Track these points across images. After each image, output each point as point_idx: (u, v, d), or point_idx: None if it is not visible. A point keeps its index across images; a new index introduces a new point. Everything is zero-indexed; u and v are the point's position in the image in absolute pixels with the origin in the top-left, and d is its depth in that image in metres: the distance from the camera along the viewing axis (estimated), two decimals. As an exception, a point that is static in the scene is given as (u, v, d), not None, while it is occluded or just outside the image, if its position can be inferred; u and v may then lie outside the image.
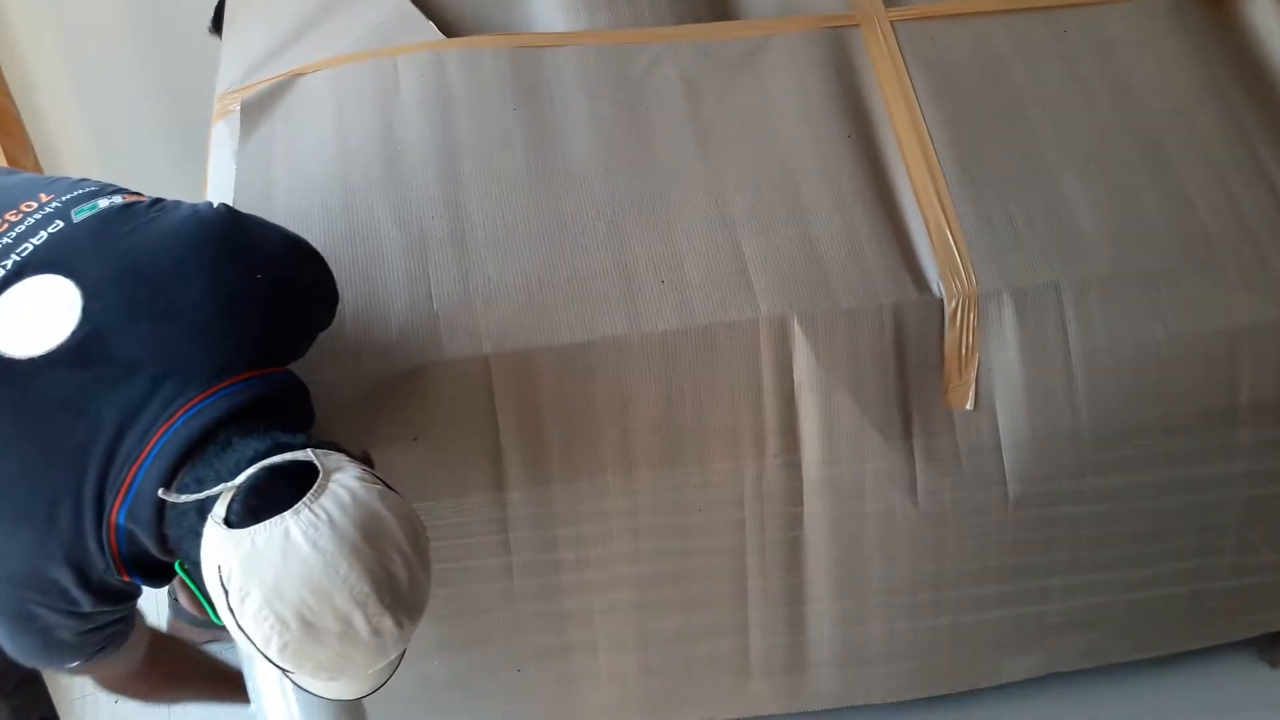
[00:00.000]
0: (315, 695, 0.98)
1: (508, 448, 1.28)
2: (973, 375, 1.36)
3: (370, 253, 1.30)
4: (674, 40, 1.49)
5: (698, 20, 1.53)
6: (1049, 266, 1.36)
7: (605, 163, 1.38)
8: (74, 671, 1.08)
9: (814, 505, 1.37)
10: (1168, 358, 1.37)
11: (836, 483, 1.36)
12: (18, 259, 0.97)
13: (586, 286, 1.29)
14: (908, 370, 1.35)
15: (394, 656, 0.92)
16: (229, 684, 1.36)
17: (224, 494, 0.86)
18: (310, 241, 1.12)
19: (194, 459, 0.91)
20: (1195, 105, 1.50)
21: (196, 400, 0.93)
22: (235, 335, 0.98)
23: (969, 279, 1.34)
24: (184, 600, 0.96)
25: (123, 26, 2.02)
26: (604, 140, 1.40)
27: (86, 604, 0.95)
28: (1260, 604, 1.60)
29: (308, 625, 0.83)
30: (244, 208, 1.31)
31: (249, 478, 0.86)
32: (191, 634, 1.77)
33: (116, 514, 0.92)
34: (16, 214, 1.01)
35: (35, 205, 1.02)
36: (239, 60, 1.52)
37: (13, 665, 1.05)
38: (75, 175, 1.12)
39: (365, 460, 0.96)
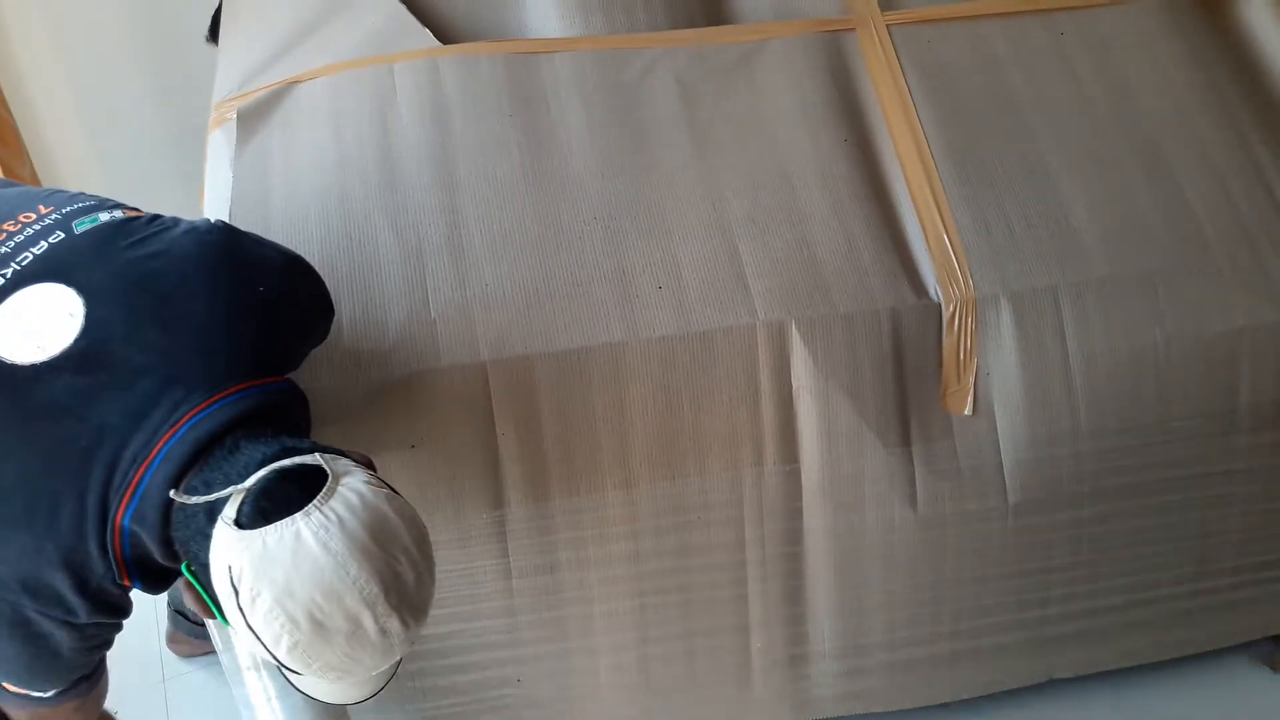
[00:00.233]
0: (314, 699, 0.99)
1: (505, 455, 1.28)
2: (971, 380, 1.35)
3: (367, 259, 1.30)
4: (669, 45, 1.49)
5: (692, 25, 1.53)
6: (1046, 270, 1.36)
7: (601, 168, 1.38)
8: (32, 705, 1.04)
9: (813, 512, 1.36)
10: (1166, 361, 1.37)
11: (835, 489, 1.35)
12: (17, 267, 0.98)
13: (583, 292, 1.29)
14: (906, 375, 1.35)
15: (397, 659, 0.93)
16: None
17: (234, 496, 0.87)
18: (307, 248, 1.14)
19: (201, 463, 0.92)
20: (1192, 107, 1.50)
21: (202, 406, 0.94)
22: (238, 345, 1.00)
23: (966, 283, 1.34)
24: (190, 602, 0.96)
25: (120, 35, 2.03)
26: (600, 146, 1.40)
27: (82, 613, 0.95)
28: (1261, 607, 1.59)
29: (318, 625, 0.85)
30: (241, 215, 1.32)
31: (259, 480, 0.88)
32: (191, 645, 1.77)
33: (122, 516, 0.92)
34: (15, 225, 1.02)
35: (34, 216, 1.03)
36: (236, 68, 1.52)
37: None
38: (72, 186, 1.13)
39: (367, 465, 0.97)
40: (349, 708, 1.37)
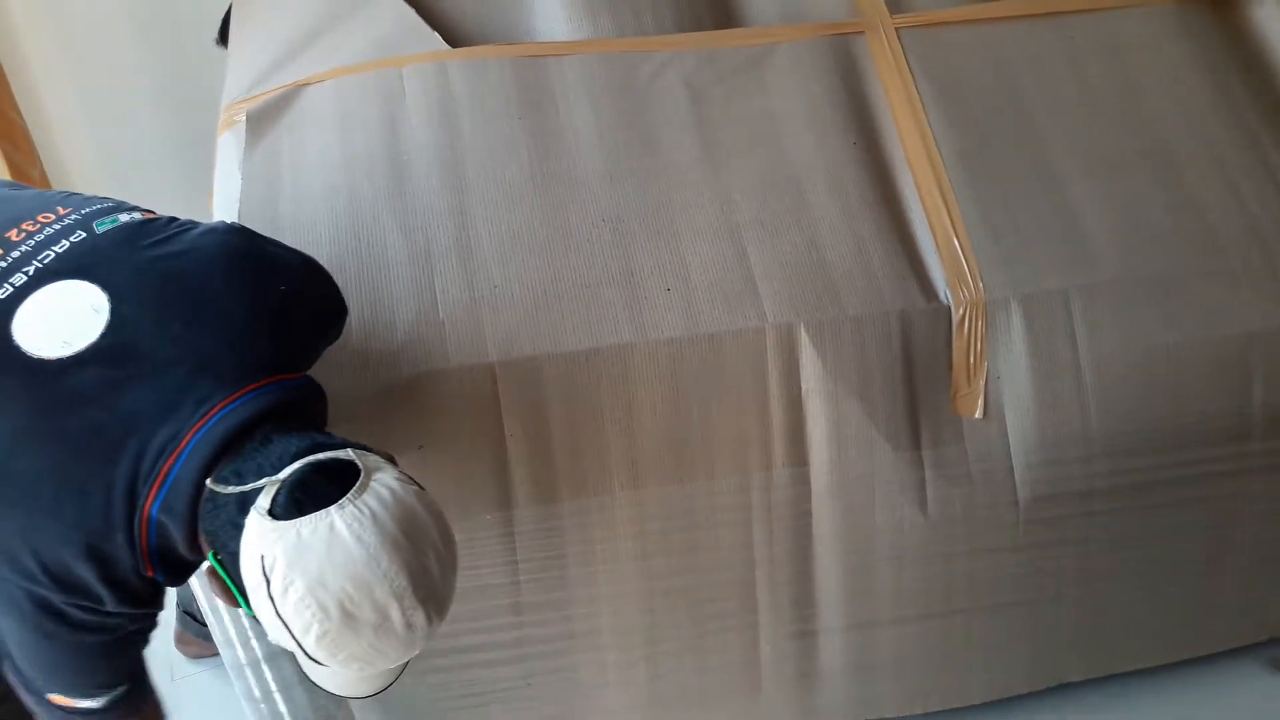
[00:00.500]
0: (331, 693, 1.00)
1: (513, 456, 1.27)
2: (981, 383, 1.35)
3: (376, 261, 1.30)
4: (678, 48, 1.49)
5: (701, 28, 1.53)
6: (1057, 273, 1.35)
7: (610, 170, 1.38)
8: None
9: (822, 516, 1.36)
10: (1178, 363, 1.36)
11: (845, 492, 1.35)
12: (39, 265, 0.99)
13: (592, 294, 1.29)
14: (915, 378, 1.34)
15: (416, 652, 0.94)
16: None
17: (268, 487, 0.89)
18: (316, 250, 1.16)
19: (231, 454, 0.93)
20: (1203, 110, 1.49)
21: (231, 399, 0.96)
22: (262, 341, 1.01)
23: (976, 286, 1.34)
24: (214, 591, 0.97)
25: (129, 38, 2.03)
26: (609, 148, 1.40)
27: (109, 602, 0.96)
28: (1271, 607, 1.59)
29: (348, 615, 0.86)
30: (250, 217, 1.32)
31: (294, 472, 0.89)
32: (199, 646, 1.77)
33: (150, 505, 0.93)
34: (34, 224, 1.03)
35: (54, 217, 1.04)
36: (245, 71, 1.53)
37: None
38: (81, 189, 1.15)
39: (391, 462, 0.99)
40: (351, 706, 1.38)
